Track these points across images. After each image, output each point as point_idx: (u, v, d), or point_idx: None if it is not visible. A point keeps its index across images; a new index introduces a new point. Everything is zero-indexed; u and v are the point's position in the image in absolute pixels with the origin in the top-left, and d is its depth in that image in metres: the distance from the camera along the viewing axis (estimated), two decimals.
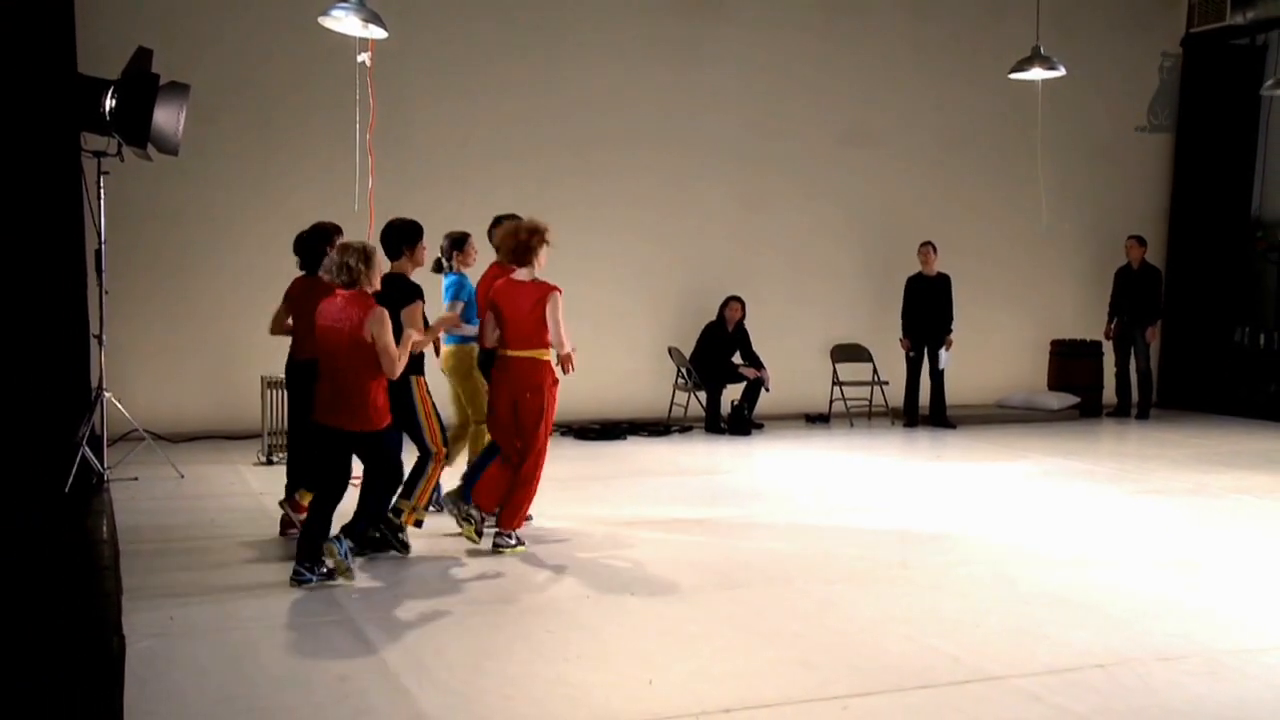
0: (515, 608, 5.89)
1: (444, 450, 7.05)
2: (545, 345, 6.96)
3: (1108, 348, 13.67)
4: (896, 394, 12.72)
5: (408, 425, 6.87)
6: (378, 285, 6.25)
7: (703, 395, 12.05)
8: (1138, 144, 14.49)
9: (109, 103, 8.27)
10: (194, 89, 8.82)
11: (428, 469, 6.98)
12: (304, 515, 6.75)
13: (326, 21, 7.75)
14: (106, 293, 8.93)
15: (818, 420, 12.79)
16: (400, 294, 6.69)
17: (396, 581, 6.30)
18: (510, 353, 6.95)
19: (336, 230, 7.36)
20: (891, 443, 11.72)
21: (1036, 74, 9.76)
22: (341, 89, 8.80)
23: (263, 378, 9.83)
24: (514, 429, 6.98)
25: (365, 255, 6.14)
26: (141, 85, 8.26)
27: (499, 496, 7.05)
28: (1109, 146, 14.26)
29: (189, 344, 11.02)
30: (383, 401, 6.24)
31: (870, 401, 12.73)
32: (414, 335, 6.50)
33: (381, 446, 6.36)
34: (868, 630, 5.58)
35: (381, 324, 6.07)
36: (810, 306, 12.97)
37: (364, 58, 8.00)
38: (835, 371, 12.71)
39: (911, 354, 12.60)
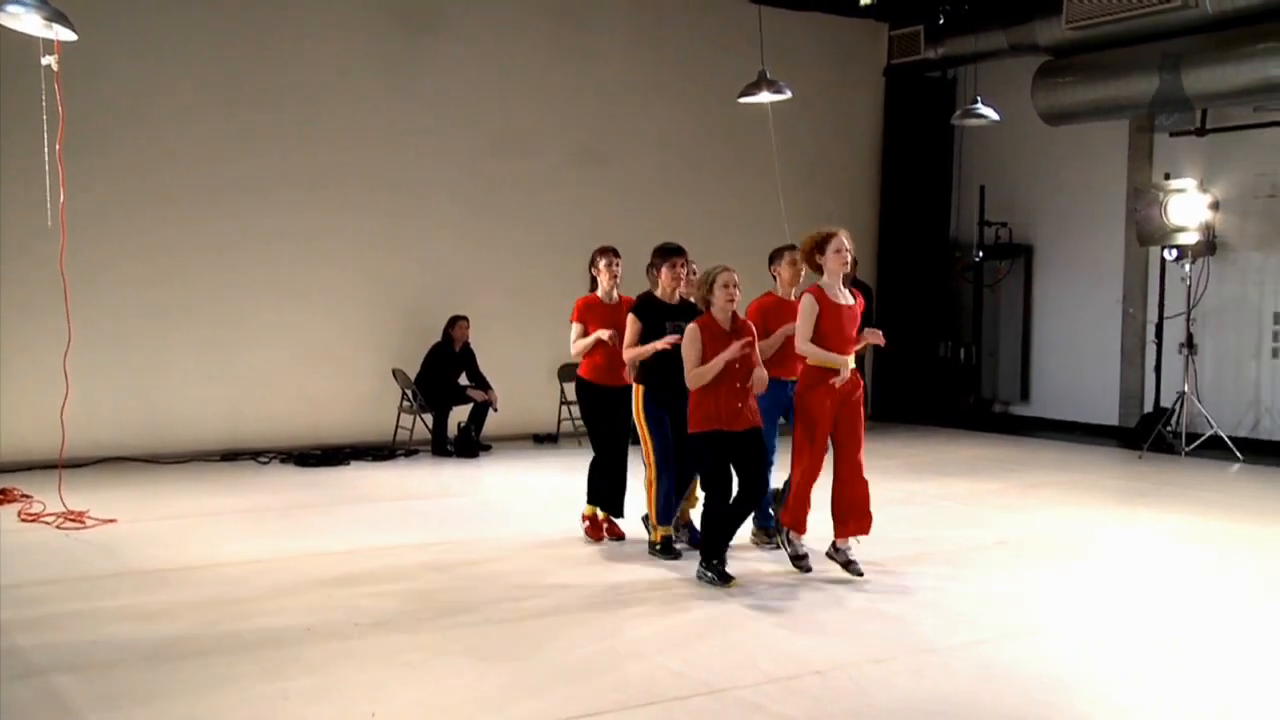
0: (231, 644, 5.56)
1: (653, 468, 7.33)
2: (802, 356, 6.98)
3: None
4: None
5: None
6: (702, 309, 6.83)
7: (429, 417, 11.82)
8: (848, 166, 15.16)
9: None
10: None
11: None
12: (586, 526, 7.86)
13: (1, 18, 7.09)
14: None
15: (546, 440, 12.75)
16: None
17: (95, 626, 5.83)
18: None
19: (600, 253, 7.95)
20: None
21: (764, 97, 10.04)
22: (30, 95, 8.16)
23: None
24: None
25: (699, 283, 6.90)
26: None
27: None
28: (823, 168, 14.85)
29: None
30: (695, 409, 6.71)
31: None
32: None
33: (694, 450, 6.83)
34: (594, 651, 5.54)
35: (685, 339, 6.72)
36: (538, 325, 12.90)
37: (49, 61, 7.38)
38: (563, 391, 12.69)
39: None
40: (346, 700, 4.82)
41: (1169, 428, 12.34)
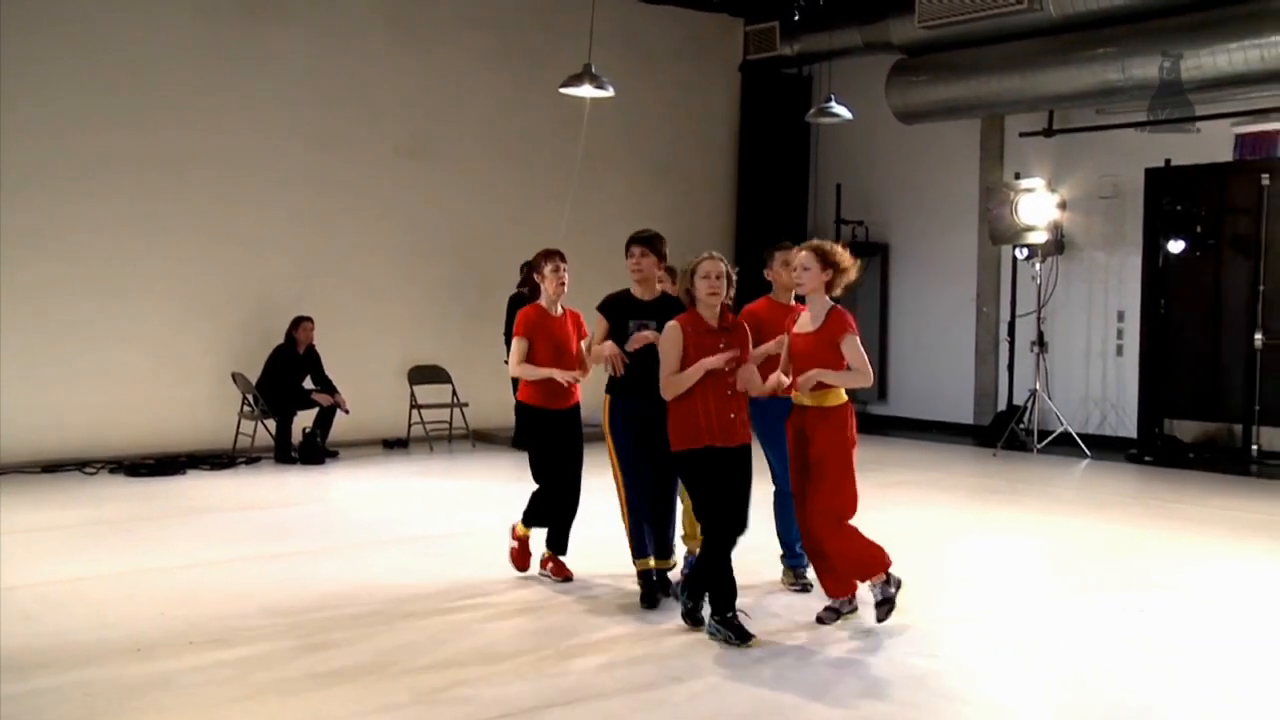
0: (51, 670, 5.14)
1: (624, 498, 6.40)
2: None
3: None
4: (477, 415, 12.47)
5: None
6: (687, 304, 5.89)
7: (272, 423, 11.29)
8: (704, 163, 15.05)
9: None
10: None
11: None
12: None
13: None
14: None
15: (396, 445, 12.32)
16: None
17: None
18: None
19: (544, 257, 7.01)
20: (473, 466, 11.44)
21: (586, 91, 9.83)
22: None
23: None
24: None
25: (680, 275, 5.97)
26: None
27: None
28: (678, 166, 14.72)
29: None
30: (678, 423, 5.71)
31: (450, 424, 12.42)
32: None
33: (681, 475, 5.98)
34: (445, 663, 5.30)
35: (664, 338, 5.80)
36: (385, 326, 12.49)
37: None
38: (413, 394, 12.30)
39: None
40: None
41: (1021, 425, 12.52)
